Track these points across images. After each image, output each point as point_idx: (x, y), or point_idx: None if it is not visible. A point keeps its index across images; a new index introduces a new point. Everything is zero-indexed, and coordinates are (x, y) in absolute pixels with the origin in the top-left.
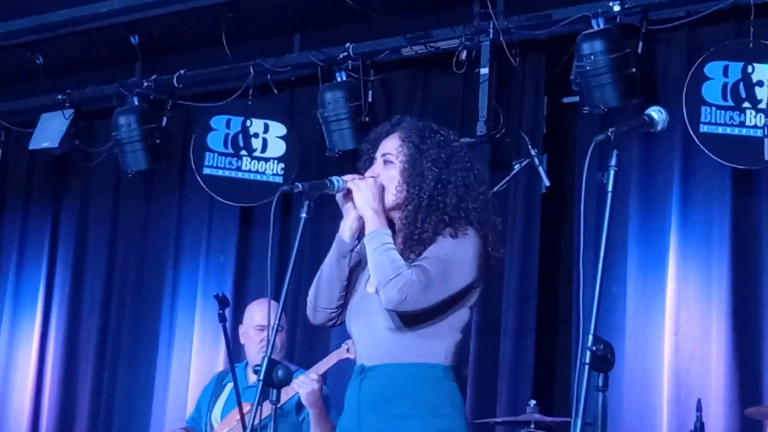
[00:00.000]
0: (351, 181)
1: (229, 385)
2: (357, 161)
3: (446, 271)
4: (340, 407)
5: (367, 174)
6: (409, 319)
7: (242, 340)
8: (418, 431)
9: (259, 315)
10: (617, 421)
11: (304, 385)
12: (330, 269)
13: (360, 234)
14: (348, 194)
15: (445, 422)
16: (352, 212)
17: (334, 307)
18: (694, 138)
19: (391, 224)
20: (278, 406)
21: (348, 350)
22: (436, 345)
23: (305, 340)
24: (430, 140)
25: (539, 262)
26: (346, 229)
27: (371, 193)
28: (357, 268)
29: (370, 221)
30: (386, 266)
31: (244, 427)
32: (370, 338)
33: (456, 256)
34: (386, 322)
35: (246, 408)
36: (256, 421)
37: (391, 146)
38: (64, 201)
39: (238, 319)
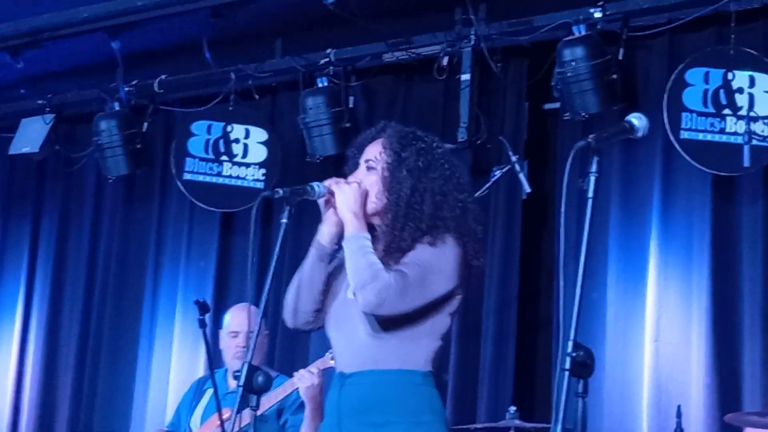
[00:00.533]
0: (334, 183)
1: (209, 391)
2: (343, 166)
3: (424, 277)
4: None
5: (350, 179)
6: (389, 325)
7: (221, 346)
8: None
9: (233, 320)
10: (597, 428)
11: (304, 379)
12: (309, 273)
13: (339, 239)
14: (330, 197)
15: (426, 428)
16: (332, 217)
17: (311, 310)
18: (675, 144)
19: (371, 230)
20: (258, 413)
21: (332, 358)
22: (416, 351)
23: (286, 346)
24: (410, 148)
25: (520, 268)
26: (325, 234)
27: (353, 196)
28: (338, 274)
29: (349, 224)
30: (364, 269)
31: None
32: (350, 344)
33: (434, 262)
34: (366, 328)
35: (226, 414)
36: (236, 428)
37: (374, 152)
38: (44, 206)
39: (218, 324)
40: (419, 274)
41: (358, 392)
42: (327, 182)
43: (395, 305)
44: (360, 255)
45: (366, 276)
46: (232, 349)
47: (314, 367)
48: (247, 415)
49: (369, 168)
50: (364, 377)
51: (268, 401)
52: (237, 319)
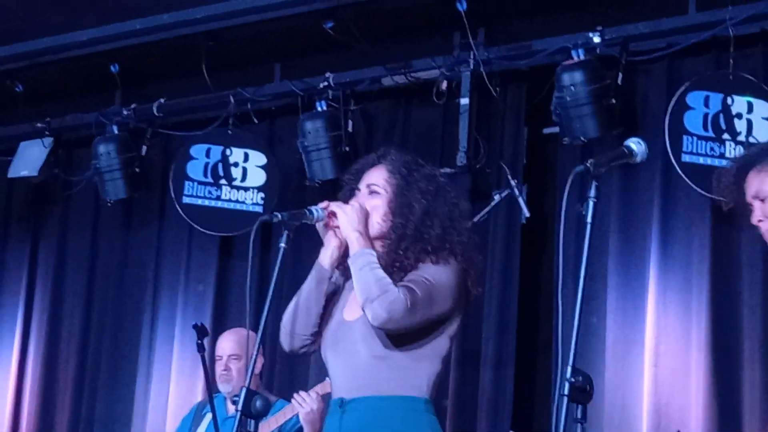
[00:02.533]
0: (335, 205)
1: (208, 416)
2: (338, 192)
3: (431, 293)
4: None
5: (350, 203)
6: (390, 347)
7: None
8: None
9: (217, 345)
10: None
11: (304, 403)
12: (308, 295)
13: (339, 263)
14: (330, 221)
15: None
16: (333, 240)
17: (309, 334)
18: (676, 167)
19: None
20: None
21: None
22: (418, 376)
23: (285, 370)
24: (418, 172)
25: (519, 293)
26: (326, 257)
27: (356, 216)
28: (334, 297)
29: (354, 242)
30: (372, 284)
31: None
32: (350, 368)
33: (439, 279)
34: (366, 350)
35: None
36: None
37: (378, 177)
38: (42, 229)
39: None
40: (426, 290)
41: (359, 418)
42: (323, 204)
43: (404, 320)
44: (368, 270)
45: (375, 290)
46: (216, 373)
47: (314, 392)
48: None
49: (372, 192)
50: (366, 403)
51: (268, 426)
52: (220, 344)
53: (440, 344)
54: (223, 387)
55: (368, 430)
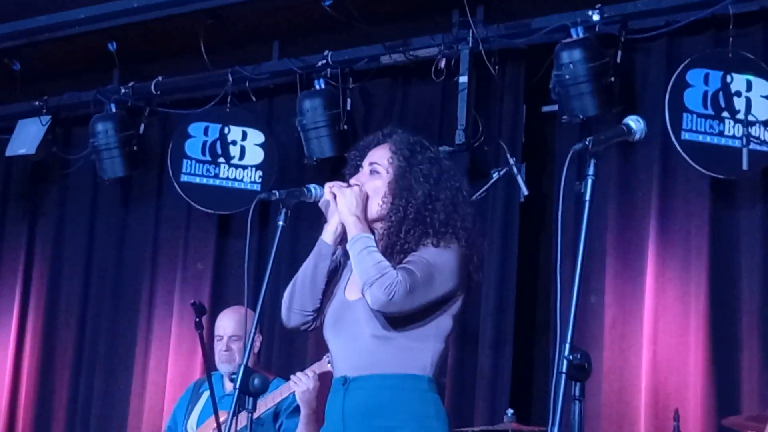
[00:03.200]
0: (336, 186)
1: (206, 394)
2: (340, 168)
3: (431, 275)
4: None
5: (351, 181)
6: (394, 327)
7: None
8: None
9: (217, 324)
10: (594, 431)
11: (300, 382)
12: (309, 271)
13: (341, 240)
14: (333, 199)
15: None
16: (336, 217)
17: (310, 310)
18: (676, 145)
19: (371, 233)
20: (254, 416)
21: (330, 363)
22: (421, 356)
23: (283, 348)
24: (421, 155)
25: (517, 271)
26: (329, 232)
27: (355, 200)
28: (333, 276)
29: (352, 226)
30: (371, 267)
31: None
32: (353, 348)
33: (439, 261)
34: (370, 330)
35: (222, 416)
36: (232, 430)
37: (380, 156)
38: (40, 208)
39: (214, 328)
40: (426, 271)
41: (363, 396)
42: (329, 184)
43: (404, 302)
44: (366, 254)
45: (373, 273)
46: (216, 353)
47: (311, 371)
48: (243, 418)
49: (373, 172)
50: (370, 381)
51: (265, 404)
52: (220, 323)
53: (443, 323)
54: (224, 367)
55: (372, 408)
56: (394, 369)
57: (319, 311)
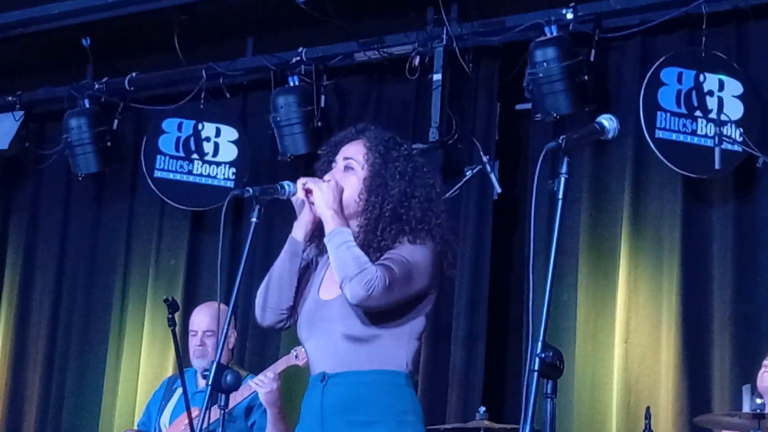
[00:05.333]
0: (311, 182)
1: (179, 390)
2: (315, 162)
3: (408, 271)
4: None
5: (325, 177)
6: (369, 326)
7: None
8: None
9: (192, 320)
10: (566, 429)
11: (263, 384)
12: (281, 269)
13: (313, 237)
14: (306, 195)
15: (411, 429)
16: (308, 214)
17: (284, 308)
18: (650, 143)
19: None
20: (227, 410)
21: (296, 357)
22: (397, 353)
23: (256, 344)
24: (396, 152)
25: (490, 269)
26: (300, 231)
27: (332, 194)
28: (306, 273)
29: (330, 221)
30: (350, 262)
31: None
32: (330, 346)
33: (416, 258)
34: (345, 330)
35: (195, 413)
36: (204, 426)
37: (354, 152)
38: (13, 203)
39: (188, 323)
40: (403, 268)
41: (342, 392)
42: (301, 181)
43: (382, 297)
44: (345, 249)
45: (353, 269)
46: (191, 348)
47: (271, 372)
48: (215, 414)
49: (347, 167)
50: (348, 377)
51: (234, 399)
52: (195, 318)
53: (417, 322)
54: (198, 362)
55: (350, 403)
56: (371, 366)
57: (293, 309)
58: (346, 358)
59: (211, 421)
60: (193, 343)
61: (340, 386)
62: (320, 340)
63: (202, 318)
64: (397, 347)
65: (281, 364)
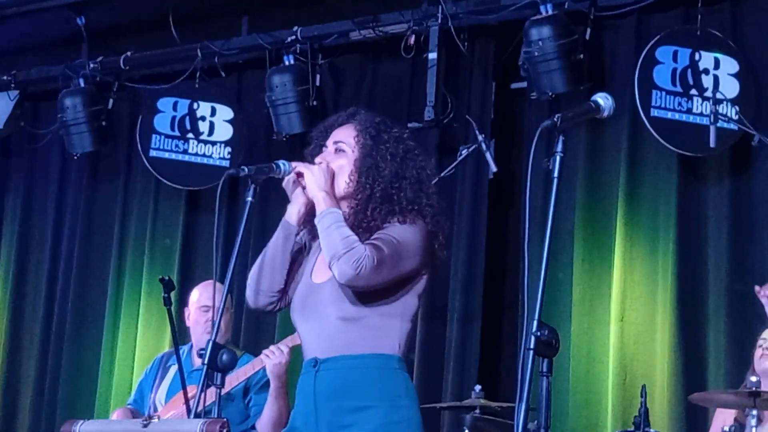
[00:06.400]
0: (302, 165)
1: (174, 368)
2: (305, 147)
3: (398, 251)
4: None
5: (316, 160)
6: (361, 308)
7: (188, 323)
8: (379, 421)
9: (204, 296)
10: (562, 407)
11: (273, 355)
12: (274, 252)
13: (305, 221)
14: (298, 178)
15: (404, 412)
16: (301, 197)
17: (275, 291)
18: (645, 122)
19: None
20: (224, 391)
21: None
22: (390, 335)
23: (251, 324)
24: (387, 134)
25: (486, 248)
26: (293, 213)
27: (323, 176)
28: (299, 257)
29: (321, 202)
30: (339, 241)
31: (189, 411)
32: (322, 330)
33: (406, 238)
34: (337, 312)
35: (191, 391)
36: (201, 407)
37: (345, 135)
38: (8, 182)
39: (183, 302)
40: (393, 248)
41: (334, 377)
42: (294, 164)
43: (371, 277)
44: (334, 228)
45: (341, 248)
46: (201, 324)
47: (284, 345)
48: (212, 393)
49: (338, 150)
50: (340, 362)
51: (237, 379)
52: (207, 294)
53: (409, 303)
54: (205, 338)
55: (343, 388)
56: (364, 349)
57: (284, 292)
58: (339, 341)
59: (208, 401)
60: (206, 318)
61: (332, 371)
62: (313, 324)
63: (218, 294)
64: (389, 329)
65: (296, 339)
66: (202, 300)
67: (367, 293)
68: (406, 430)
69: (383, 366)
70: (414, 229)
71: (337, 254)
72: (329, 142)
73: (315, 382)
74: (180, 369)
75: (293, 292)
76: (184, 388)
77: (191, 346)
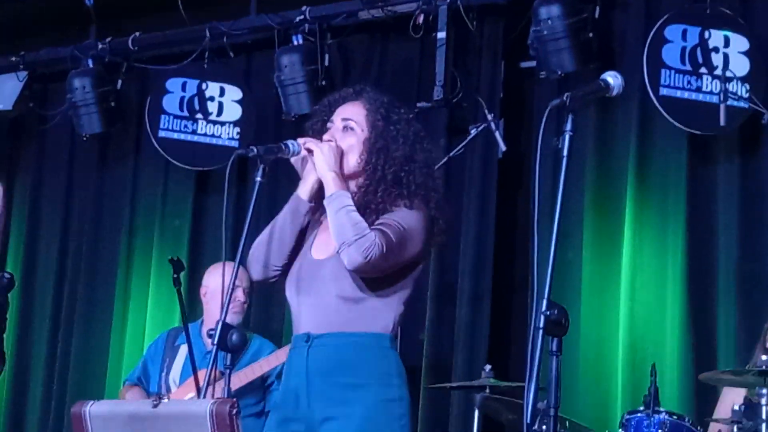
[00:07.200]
0: (312, 143)
1: (183, 348)
2: (307, 122)
3: (403, 238)
4: None
5: (324, 137)
6: (361, 289)
7: (207, 303)
8: (372, 399)
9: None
10: (572, 386)
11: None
12: (282, 226)
13: (318, 196)
14: (308, 155)
15: (395, 391)
16: (312, 173)
17: (279, 265)
18: (654, 100)
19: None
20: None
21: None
22: (385, 317)
23: (261, 305)
24: (397, 115)
25: (495, 228)
26: (305, 190)
27: (333, 156)
28: (303, 233)
29: (331, 183)
30: (349, 228)
31: (202, 393)
32: (318, 307)
33: (411, 224)
34: (337, 291)
35: (203, 374)
36: (210, 390)
37: (354, 113)
38: (18, 164)
39: (194, 282)
40: (399, 234)
41: (327, 353)
42: (302, 140)
43: (378, 264)
44: (344, 213)
45: (351, 234)
46: (228, 305)
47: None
48: (237, 378)
49: (346, 128)
50: (334, 339)
51: (252, 372)
52: (240, 274)
53: (406, 287)
54: (236, 318)
55: (335, 365)
56: (358, 327)
57: (287, 267)
58: (335, 318)
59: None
60: (237, 297)
61: (326, 347)
62: (310, 299)
63: (243, 273)
64: (386, 310)
65: None
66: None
67: (370, 277)
68: (398, 408)
69: (376, 344)
70: (419, 215)
71: (347, 240)
72: (336, 119)
73: (308, 357)
74: (189, 349)
75: (293, 267)
76: (194, 370)
77: (201, 322)
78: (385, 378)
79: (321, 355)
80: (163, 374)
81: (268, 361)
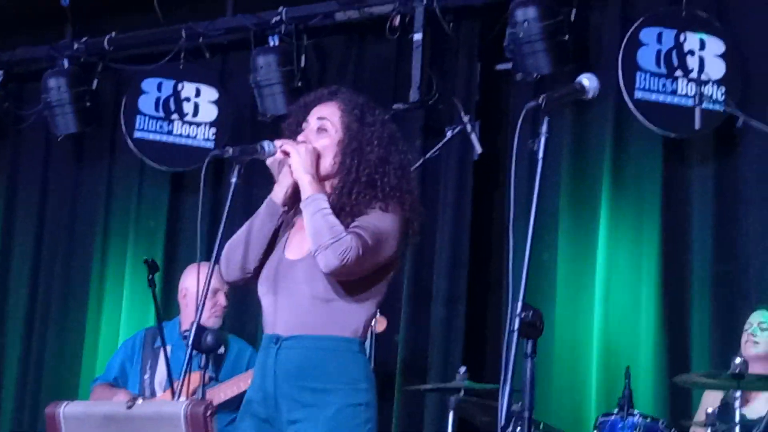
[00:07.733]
0: (288, 144)
1: (168, 349)
2: (282, 122)
3: (379, 241)
4: None
5: (299, 139)
6: (335, 290)
7: (187, 306)
8: (339, 404)
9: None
10: (546, 388)
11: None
12: (258, 229)
13: (292, 200)
14: (284, 157)
15: (363, 396)
16: (287, 177)
17: (251, 268)
18: (629, 104)
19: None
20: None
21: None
22: (355, 319)
23: (235, 306)
24: (372, 116)
25: (471, 229)
26: (280, 193)
27: (309, 158)
28: (276, 235)
29: (307, 186)
30: (325, 231)
31: (174, 394)
32: (290, 307)
33: (386, 227)
34: (311, 292)
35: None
36: (184, 392)
37: (328, 114)
38: None
39: (169, 283)
40: (375, 237)
41: (296, 357)
42: (278, 142)
43: (354, 267)
44: (320, 216)
45: (327, 238)
46: (207, 308)
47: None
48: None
49: (321, 129)
50: (303, 341)
51: (231, 391)
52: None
53: (380, 290)
54: (217, 321)
55: (304, 369)
56: (328, 331)
57: (258, 269)
58: (307, 319)
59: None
60: (219, 302)
61: (294, 350)
62: (281, 299)
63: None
64: (357, 313)
65: None
66: (214, 283)
67: (345, 279)
68: (364, 413)
69: (345, 349)
70: (394, 218)
71: (323, 244)
72: (311, 119)
73: (276, 359)
74: (164, 352)
75: (265, 268)
76: (169, 375)
77: (178, 321)
78: (353, 383)
79: (290, 358)
80: (146, 377)
81: (248, 376)
